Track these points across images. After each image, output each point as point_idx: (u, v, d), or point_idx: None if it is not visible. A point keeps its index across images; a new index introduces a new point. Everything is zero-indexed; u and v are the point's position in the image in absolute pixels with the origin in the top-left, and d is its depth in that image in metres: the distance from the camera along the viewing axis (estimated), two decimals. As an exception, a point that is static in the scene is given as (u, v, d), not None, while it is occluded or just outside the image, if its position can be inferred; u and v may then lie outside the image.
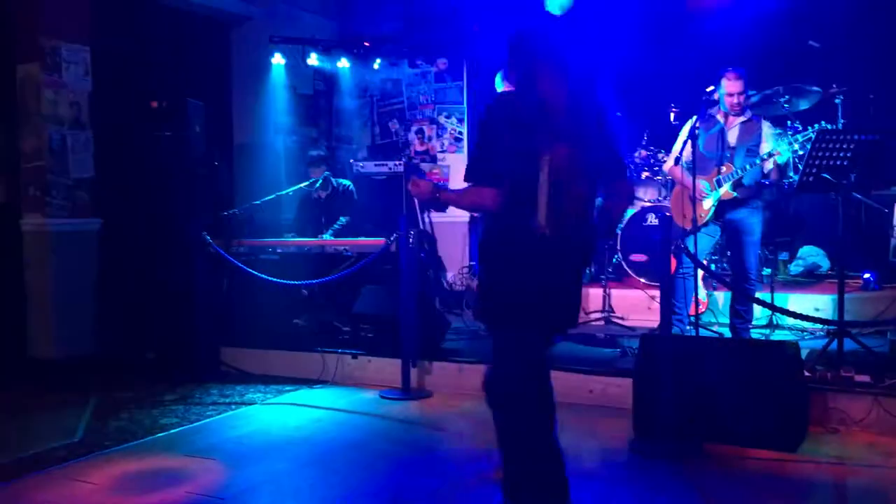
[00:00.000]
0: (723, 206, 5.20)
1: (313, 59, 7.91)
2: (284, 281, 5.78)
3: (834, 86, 6.43)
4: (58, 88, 6.08)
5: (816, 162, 4.70)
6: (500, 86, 5.74)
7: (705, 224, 5.20)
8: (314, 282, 5.82)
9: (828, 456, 3.89)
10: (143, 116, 6.18)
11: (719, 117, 5.28)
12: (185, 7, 7.30)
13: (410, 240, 5.29)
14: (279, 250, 6.41)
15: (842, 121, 6.42)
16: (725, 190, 5.14)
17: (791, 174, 6.26)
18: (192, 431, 4.57)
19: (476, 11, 7.94)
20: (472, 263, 8.05)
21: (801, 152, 5.86)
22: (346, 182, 7.08)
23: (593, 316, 6.55)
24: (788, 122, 6.37)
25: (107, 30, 6.45)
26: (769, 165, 5.08)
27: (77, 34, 6.20)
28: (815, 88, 6.39)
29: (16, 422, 4.81)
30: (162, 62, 6.80)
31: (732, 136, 5.23)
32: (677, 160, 5.32)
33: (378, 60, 8.34)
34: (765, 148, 5.14)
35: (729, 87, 5.14)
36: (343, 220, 6.80)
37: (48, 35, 6.01)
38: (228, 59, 8.07)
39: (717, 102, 5.27)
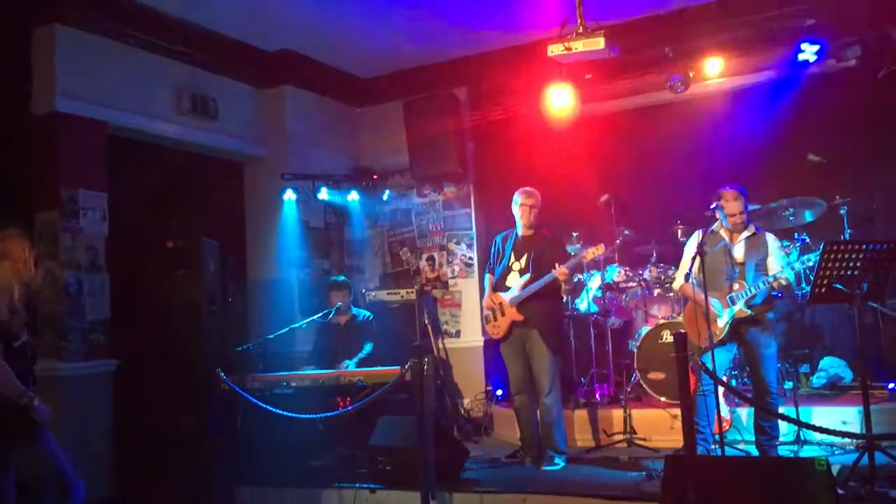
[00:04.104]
0: (737, 322, 5.17)
1: (324, 194, 8.10)
2: (299, 415, 5.72)
3: (837, 197, 6.51)
4: (75, 234, 6.21)
5: (827, 273, 4.71)
6: (516, 204, 5.91)
7: (721, 342, 5.16)
8: (329, 414, 5.75)
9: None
10: (159, 256, 6.29)
11: (723, 233, 5.33)
12: (201, 151, 7.56)
13: (425, 367, 5.25)
14: (293, 384, 6.36)
15: (848, 231, 6.46)
16: (739, 308, 5.12)
17: (804, 285, 6.26)
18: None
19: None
20: (488, 389, 7.95)
21: (811, 263, 5.89)
22: (366, 312, 7.12)
23: (615, 438, 6.40)
24: (796, 235, 6.43)
25: (124, 175, 6.66)
26: (780, 283, 5.10)
27: (95, 181, 6.39)
28: (819, 201, 6.47)
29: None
30: (178, 203, 6.98)
31: (739, 252, 5.27)
32: (687, 276, 5.34)
33: (387, 192, 8.54)
34: (772, 263, 5.17)
35: (728, 208, 5.22)
36: (369, 347, 6.81)
37: (67, 184, 6.18)
38: (242, 197, 8.28)
39: (718, 219, 5.33)
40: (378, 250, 8.89)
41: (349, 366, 6.59)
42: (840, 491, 4.10)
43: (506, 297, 5.85)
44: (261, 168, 8.15)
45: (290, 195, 7.88)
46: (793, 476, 4.03)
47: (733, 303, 5.14)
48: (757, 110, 7.24)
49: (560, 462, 5.72)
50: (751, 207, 5.64)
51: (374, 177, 8.48)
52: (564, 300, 6.61)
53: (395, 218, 8.78)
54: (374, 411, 5.84)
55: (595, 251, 5.74)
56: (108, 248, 6.45)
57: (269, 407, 5.77)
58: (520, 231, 5.98)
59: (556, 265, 5.64)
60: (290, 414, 5.71)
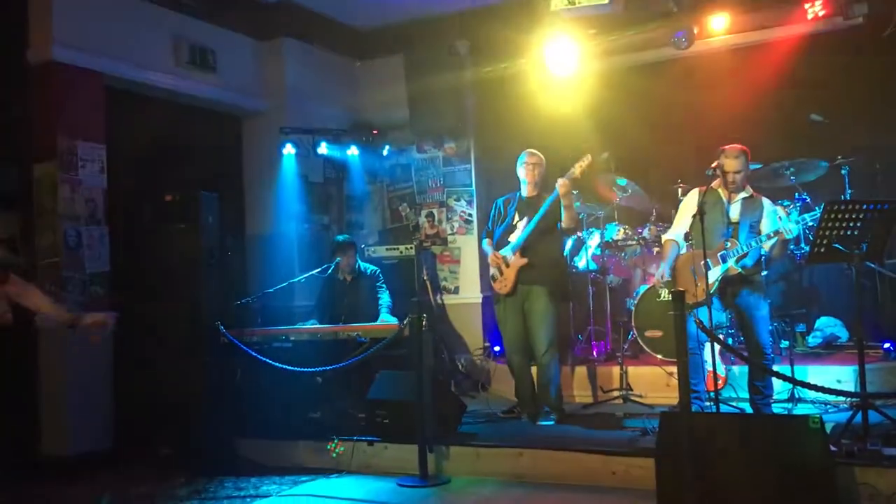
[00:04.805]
0: (727, 284, 5.18)
1: (323, 148, 8.04)
2: (298, 368, 5.76)
3: (839, 157, 6.48)
4: (74, 186, 6.19)
5: (827, 233, 4.70)
6: (521, 164, 5.89)
7: (708, 299, 5.16)
8: (328, 368, 5.79)
9: (861, 534, 3.77)
10: (158, 209, 6.28)
11: (721, 192, 5.31)
12: (199, 104, 7.50)
13: (423, 323, 5.28)
14: (292, 338, 6.39)
15: (849, 191, 6.44)
16: (730, 265, 5.14)
17: (803, 245, 6.26)
18: (206, 527, 4.48)
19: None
20: (486, 345, 8.00)
21: (810, 223, 5.89)
22: (372, 266, 7.09)
23: (612, 394, 6.46)
24: (796, 195, 6.41)
25: (122, 127, 6.61)
26: (771, 243, 5.10)
27: (93, 133, 6.35)
28: (821, 161, 6.44)
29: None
30: (176, 156, 6.95)
31: (735, 212, 5.26)
32: (687, 236, 5.33)
33: (387, 147, 8.49)
34: (765, 225, 5.16)
35: (727, 166, 5.19)
36: (387, 296, 6.82)
37: (65, 135, 6.15)
38: (241, 150, 8.24)
39: (718, 177, 5.31)
40: (377, 206, 8.87)
41: (388, 319, 6.55)
42: (833, 448, 4.16)
43: (507, 251, 5.85)
44: (260, 121, 8.09)
45: (289, 149, 7.82)
46: (786, 433, 4.07)
47: (724, 260, 5.15)
48: (761, 68, 7.16)
49: (556, 417, 5.78)
50: (752, 167, 5.61)
51: (374, 132, 8.41)
52: (566, 254, 6.61)
53: (395, 173, 8.74)
54: (372, 366, 5.89)
55: (582, 164, 5.63)
56: (107, 201, 6.43)
57: (267, 360, 5.81)
58: (524, 191, 5.98)
59: (558, 180, 5.60)
60: (288, 367, 5.75)
